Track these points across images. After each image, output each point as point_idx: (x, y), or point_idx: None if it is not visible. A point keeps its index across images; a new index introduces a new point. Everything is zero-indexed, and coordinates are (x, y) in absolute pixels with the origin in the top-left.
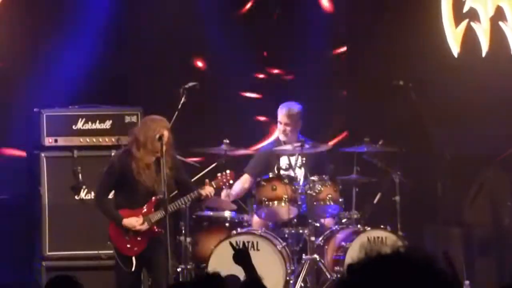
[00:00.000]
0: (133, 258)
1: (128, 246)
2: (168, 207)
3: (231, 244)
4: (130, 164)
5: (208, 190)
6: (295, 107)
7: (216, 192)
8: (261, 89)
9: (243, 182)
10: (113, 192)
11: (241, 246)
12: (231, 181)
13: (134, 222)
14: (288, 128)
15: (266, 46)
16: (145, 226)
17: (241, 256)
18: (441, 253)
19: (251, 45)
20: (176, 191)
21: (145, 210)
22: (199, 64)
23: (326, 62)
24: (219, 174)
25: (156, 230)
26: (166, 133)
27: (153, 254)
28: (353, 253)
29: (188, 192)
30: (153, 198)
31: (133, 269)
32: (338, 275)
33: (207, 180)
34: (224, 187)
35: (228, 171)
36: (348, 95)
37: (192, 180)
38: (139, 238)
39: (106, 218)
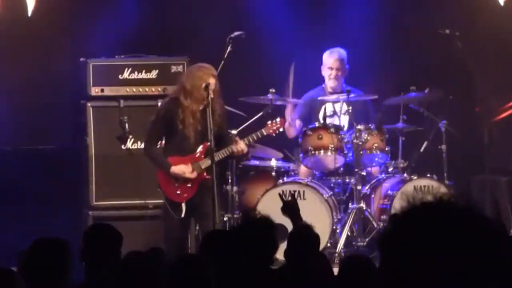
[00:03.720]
0: (183, 205)
1: (178, 192)
2: (215, 156)
3: (280, 195)
4: (177, 112)
5: (240, 146)
6: (343, 51)
7: (264, 141)
8: (305, 37)
9: (299, 125)
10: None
11: (288, 196)
12: (281, 129)
13: (184, 169)
14: (339, 73)
15: None
16: (194, 174)
17: (290, 207)
18: (491, 202)
19: None
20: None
21: (197, 155)
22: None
23: (372, 11)
24: (269, 122)
25: (206, 176)
26: (212, 81)
27: (201, 202)
28: (399, 202)
29: (223, 146)
30: (203, 145)
31: (182, 215)
32: (384, 224)
33: (237, 138)
34: (274, 135)
35: (278, 119)
36: (395, 44)
37: (238, 129)
38: (189, 185)
39: (155, 166)
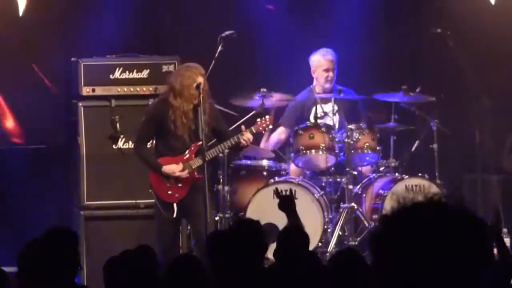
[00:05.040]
0: (175, 205)
1: (170, 193)
2: (206, 155)
3: (276, 190)
4: (167, 112)
5: (246, 136)
6: (333, 52)
7: (255, 140)
8: (297, 36)
9: (279, 133)
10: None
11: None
12: (270, 126)
13: (174, 168)
14: (332, 74)
15: None
16: (185, 173)
17: (286, 203)
18: (490, 206)
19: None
20: (214, 140)
21: (186, 156)
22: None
23: (363, 10)
24: (258, 119)
25: (197, 176)
26: (201, 80)
27: (192, 202)
28: (390, 202)
29: (223, 141)
30: (193, 144)
31: (174, 215)
32: (376, 224)
33: (243, 127)
34: (263, 132)
35: (267, 116)
36: (386, 43)
37: (230, 128)
38: (180, 185)
39: (146, 166)
